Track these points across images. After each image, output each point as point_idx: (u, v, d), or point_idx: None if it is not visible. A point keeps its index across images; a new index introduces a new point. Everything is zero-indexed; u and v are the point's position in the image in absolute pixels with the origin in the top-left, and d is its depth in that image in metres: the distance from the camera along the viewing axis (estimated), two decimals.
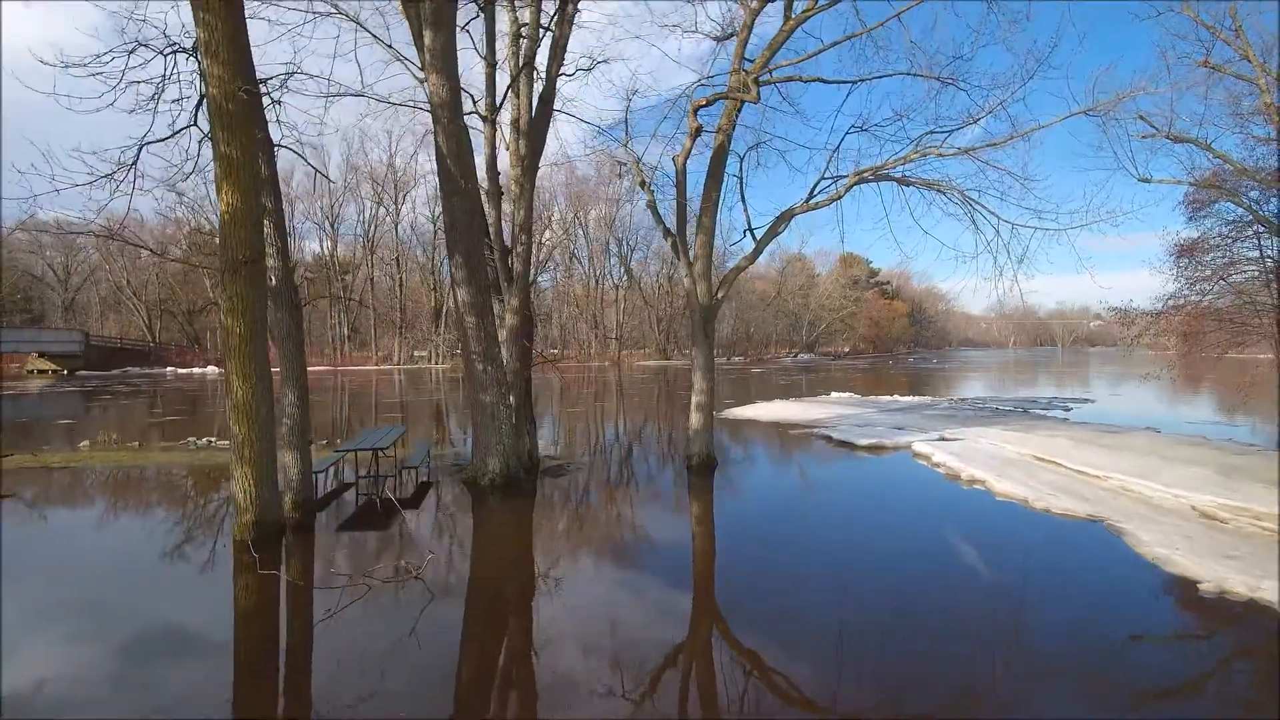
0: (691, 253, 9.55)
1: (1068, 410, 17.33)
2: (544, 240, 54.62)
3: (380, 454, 9.47)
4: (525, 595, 5.04)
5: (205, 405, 21.43)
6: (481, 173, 9.15)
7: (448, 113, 7.25)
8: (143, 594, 5.02)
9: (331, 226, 54.20)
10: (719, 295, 9.59)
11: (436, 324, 51.76)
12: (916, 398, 20.38)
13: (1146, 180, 14.11)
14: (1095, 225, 10.82)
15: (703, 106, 8.62)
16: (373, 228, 53.46)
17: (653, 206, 10.17)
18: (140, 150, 6.71)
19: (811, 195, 9.92)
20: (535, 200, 9.84)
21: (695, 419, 9.42)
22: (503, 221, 9.22)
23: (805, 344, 70.90)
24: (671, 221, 9.87)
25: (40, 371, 42.08)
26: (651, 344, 58.94)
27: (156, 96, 6.80)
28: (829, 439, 12.16)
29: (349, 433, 13.68)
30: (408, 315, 53.21)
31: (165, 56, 6.70)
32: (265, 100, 6.68)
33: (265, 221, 6.32)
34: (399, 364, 50.39)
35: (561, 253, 56.84)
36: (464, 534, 6.73)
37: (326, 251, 54.03)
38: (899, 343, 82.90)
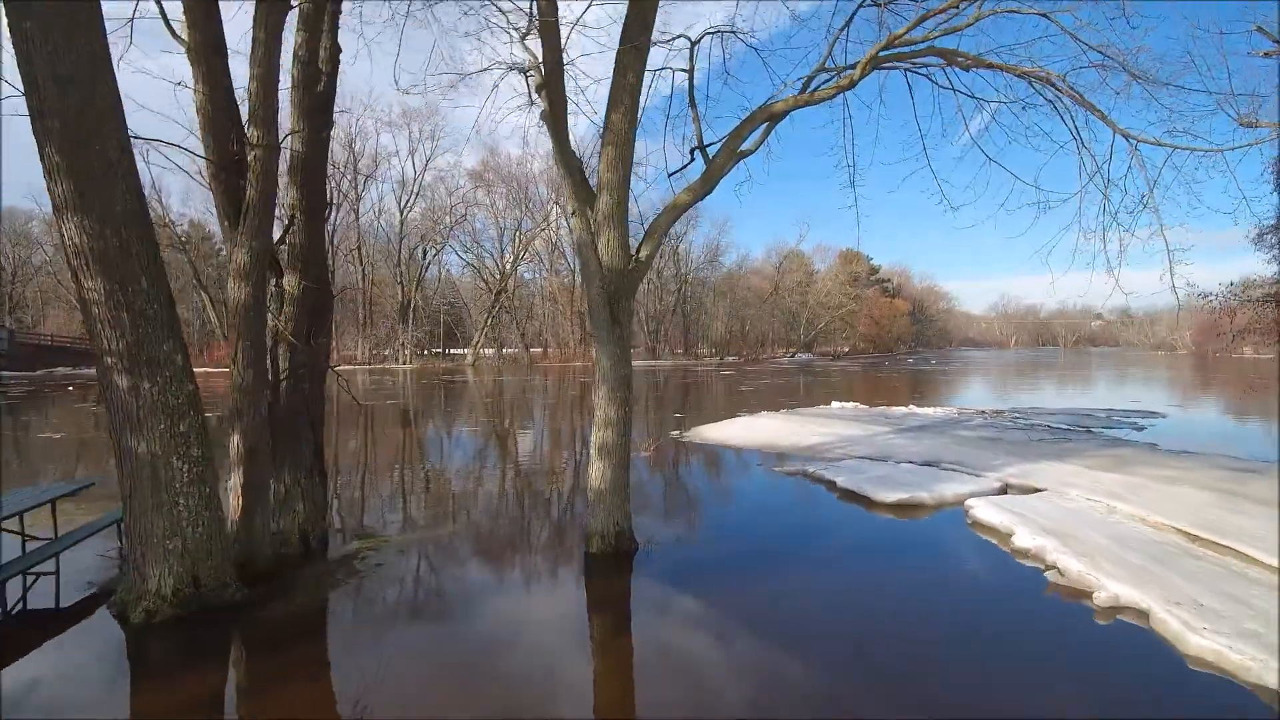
0: (593, 177, 5.49)
1: (1139, 429, 13.32)
2: (522, 233, 50.49)
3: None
4: None
5: (81, 422, 17.34)
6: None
7: None
8: None
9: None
10: (641, 255, 5.47)
11: (404, 321, 47.61)
12: (938, 409, 16.25)
13: (1250, 124, 10.07)
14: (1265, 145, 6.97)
15: None
16: (333, 214, 49.08)
17: (549, 118, 6.05)
18: None
19: (806, 87, 5.90)
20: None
21: (597, 472, 5.31)
22: (227, 106, 5.01)
23: (803, 343, 66.87)
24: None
25: None
26: (639, 343, 54.73)
27: None
28: (832, 486, 8.03)
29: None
30: (371, 312, 48.78)
31: None
32: None
33: None
34: (361, 363, 46.09)
35: (545, 245, 52.65)
36: None
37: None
38: (899, 342, 79.09)
